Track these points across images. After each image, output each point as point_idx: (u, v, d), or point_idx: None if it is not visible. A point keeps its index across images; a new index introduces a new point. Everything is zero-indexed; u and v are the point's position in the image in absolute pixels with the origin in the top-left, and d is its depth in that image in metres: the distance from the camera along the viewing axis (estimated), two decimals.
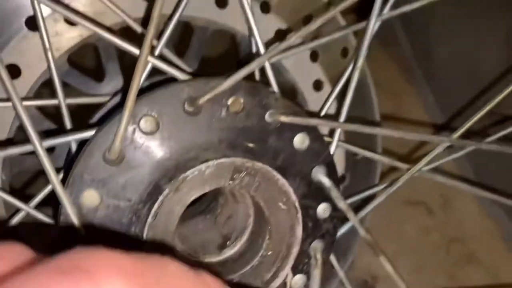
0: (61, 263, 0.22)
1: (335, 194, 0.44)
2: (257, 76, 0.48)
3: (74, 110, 0.45)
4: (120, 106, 0.46)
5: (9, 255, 0.24)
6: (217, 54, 0.73)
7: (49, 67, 0.42)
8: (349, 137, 0.56)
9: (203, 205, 0.52)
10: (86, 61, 0.58)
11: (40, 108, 0.48)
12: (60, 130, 0.48)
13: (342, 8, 0.44)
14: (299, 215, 0.43)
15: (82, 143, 0.42)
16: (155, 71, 0.43)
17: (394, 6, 0.50)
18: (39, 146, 0.35)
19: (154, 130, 0.38)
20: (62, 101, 0.42)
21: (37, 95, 0.46)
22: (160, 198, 0.36)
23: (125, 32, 0.46)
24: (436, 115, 1.03)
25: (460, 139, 0.51)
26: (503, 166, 0.86)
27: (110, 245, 0.24)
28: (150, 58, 0.40)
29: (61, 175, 0.41)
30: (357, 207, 0.56)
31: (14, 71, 0.44)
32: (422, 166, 0.52)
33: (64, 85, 0.44)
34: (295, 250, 0.44)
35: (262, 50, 0.44)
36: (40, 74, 0.45)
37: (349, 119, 0.50)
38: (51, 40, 0.43)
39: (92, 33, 0.45)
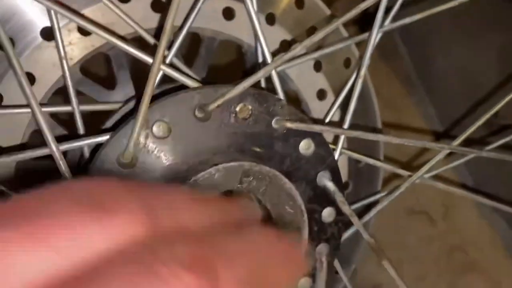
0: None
1: (339, 198, 0.46)
2: (263, 84, 0.50)
3: (85, 117, 0.46)
4: (132, 112, 0.48)
5: None
6: (223, 64, 0.75)
7: (64, 75, 0.43)
8: (351, 145, 0.58)
9: None
10: (98, 70, 0.59)
11: (53, 115, 0.50)
12: (72, 136, 0.50)
13: (346, 19, 0.45)
14: (305, 219, 0.44)
15: (94, 149, 0.44)
16: (162, 80, 0.45)
17: (395, 19, 0.52)
18: (55, 149, 0.36)
19: (166, 135, 0.39)
20: (76, 107, 0.43)
21: (50, 102, 0.48)
22: None
23: (133, 43, 0.48)
24: (435, 125, 1.05)
25: (461, 146, 0.52)
26: (503, 174, 0.88)
27: None
28: (162, 67, 0.42)
29: None
30: (360, 214, 0.57)
31: (29, 79, 0.46)
32: (423, 173, 0.53)
33: (77, 93, 0.46)
34: None
35: (269, 59, 0.46)
36: (53, 83, 0.47)
37: (352, 127, 0.51)
38: (65, 50, 0.44)
39: (104, 43, 0.47)
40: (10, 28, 0.44)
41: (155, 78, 0.38)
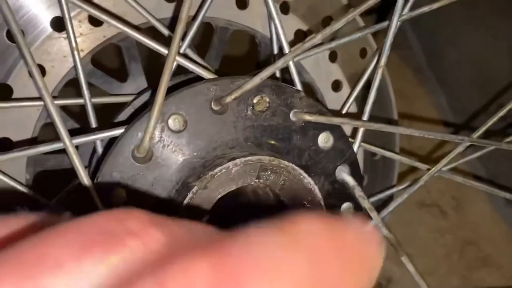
0: None
1: (358, 193, 0.44)
2: (278, 75, 0.48)
3: (96, 110, 0.45)
4: (146, 105, 0.46)
5: None
6: (235, 55, 0.73)
7: (75, 67, 0.42)
8: (366, 137, 0.56)
9: None
10: (108, 61, 0.58)
11: (64, 108, 0.48)
12: (83, 129, 0.49)
13: (366, 8, 0.44)
14: None
15: (108, 142, 0.42)
16: (175, 72, 0.44)
17: (412, 8, 0.51)
18: (69, 143, 0.35)
19: (182, 128, 0.38)
20: (88, 100, 0.42)
21: (60, 95, 0.47)
22: (189, 195, 0.37)
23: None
24: (447, 115, 1.03)
25: (480, 139, 0.51)
26: None
27: None
28: (177, 58, 0.40)
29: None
30: (375, 208, 0.56)
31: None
32: (442, 166, 0.52)
33: (88, 85, 0.45)
34: None
35: (287, 49, 0.45)
36: (64, 74, 0.46)
37: (369, 118, 0.50)
38: (76, 41, 0.43)
39: (115, 33, 0.46)
40: (19, 19, 0.42)
41: (170, 69, 0.37)
